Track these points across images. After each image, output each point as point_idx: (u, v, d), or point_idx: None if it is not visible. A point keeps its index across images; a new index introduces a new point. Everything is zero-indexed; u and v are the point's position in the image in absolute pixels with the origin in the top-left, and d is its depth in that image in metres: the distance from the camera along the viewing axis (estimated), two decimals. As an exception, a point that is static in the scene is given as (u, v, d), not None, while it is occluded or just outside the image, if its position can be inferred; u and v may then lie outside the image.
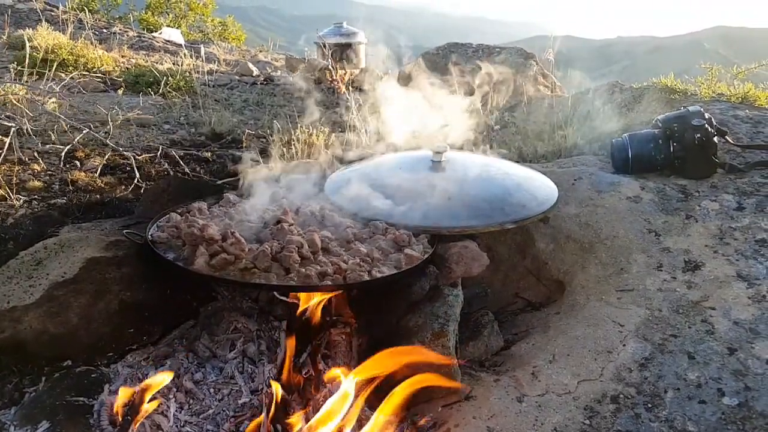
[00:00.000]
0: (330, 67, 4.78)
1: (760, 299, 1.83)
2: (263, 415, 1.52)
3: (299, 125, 3.05)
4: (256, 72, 5.77)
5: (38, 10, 7.06)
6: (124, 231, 1.84)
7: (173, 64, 5.46)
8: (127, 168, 2.69)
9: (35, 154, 2.67)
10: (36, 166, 2.56)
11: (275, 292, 1.82)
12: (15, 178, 2.39)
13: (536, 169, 2.48)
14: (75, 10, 6.84)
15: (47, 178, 2.48)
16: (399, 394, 1.56)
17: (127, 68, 5.04)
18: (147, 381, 1.56)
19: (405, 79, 4.54)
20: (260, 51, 8.50)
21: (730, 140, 2.58)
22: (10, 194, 2.23)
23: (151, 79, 4.44)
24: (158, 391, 1.59)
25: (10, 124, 2.63)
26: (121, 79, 4.60)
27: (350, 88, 4.82)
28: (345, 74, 5.15)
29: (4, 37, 5.44)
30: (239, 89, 4.99)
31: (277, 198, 2.15)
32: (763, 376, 1.58)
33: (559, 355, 1.76)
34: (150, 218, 1.93)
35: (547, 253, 2.26)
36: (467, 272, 1.89)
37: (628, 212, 2.24)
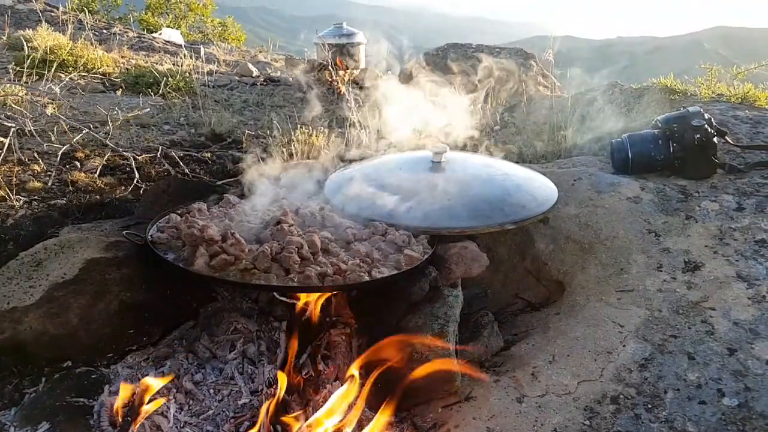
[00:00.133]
0: (330, 67, 4.77)
1: (760, 300, 1.83)
2: (263, 415, 1.52)
3: (299, 126, 3.05)
4: (255, 72, 5.77)
5: (38, 11, 7.06)
6: (124, 232, 1.84)
7: (173, 64, 5.46)
8: (127, 169, 2.69)
9: (35, 154, 2.67)
10: (36, 167, 2.56)
11: (275, 293, 1.82)
12: (15, 179, 2.39)
13: (536, 170, 2.48)
14: (75, 11, 6.85)
15: (47, 178, 2.48)
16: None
17: (127, 69, 5.04)
18: (144, 380, 1.56)
19: (405, 78, 4.54)
20: (260, 51, 8.51)
21: (729, 141, 2.58)
22: (10, 195, 2.23)
23: (151, 80, 4.44)
24: (158, 392, 1.59)
25: (9, 125, 2.63)
26: (120, 80, 4.60)
27: (350, 88, 4.82)
28: (345, 74, 5.15)
29: (4, 38, 5.45)
30: (239, 90, 4.99)
31: (276, 199, 2.15)
32: (763, 376, 1.58)
33: (559, 355, 1.76)
34: (150, 219, 1.93)
35: (546, 254, 2.26)
36: (467, 273, 1.89)
37: (628, 213, 2.24)
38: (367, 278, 1.66)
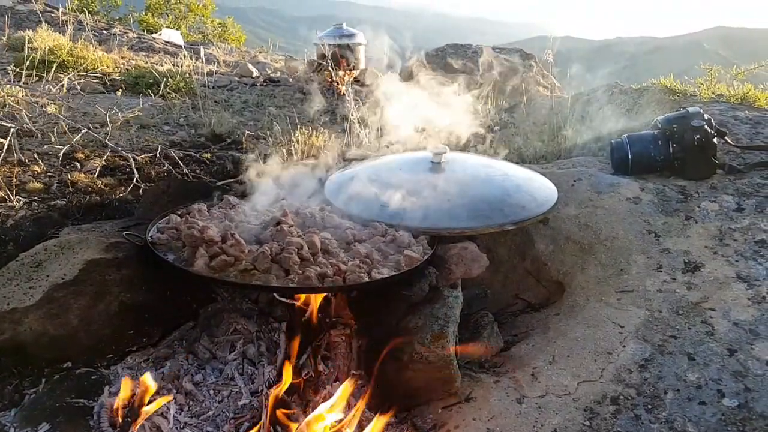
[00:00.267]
0: (330, 68, 4.78)
1: (759, 300, 1.83)
2: (263, 416, 1.52)
3: (299, 126, 3.05)
4: (255, 73, 5.77)
5: (38, 12, 7.06)
6: (124, 233, 1.84)
7: (173, 65, 5.46)
8: (127, 169, 2.69)
9: (35, 155, 2.67)
10: (36, 168, 2.56)
11: (275, 294, 1.82)
12: (15, 180, 2.39)
13: (535, 170, 2.48)
14: (75, 12, 6.85)
15: (47, 179, 2.48)
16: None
17: (127, 69, 5.04)
18: (143, 377, 1.56)
19: (406, 77, 4.54)
20: (260, 52, 8.50)
21: (729, 141, 2.58)
22: (10, 195, 2.23)
23: (150, 81, 4.44)
24: (158, 392, 1.59)
25: (9, 125, 2.63)
26: (120, 81, 4.61)
27: (350, 88, 4.82)
28: (344, 75, 5.15)
29: (4, 39, 5.45)
30: (239, 90, 4.99)
31: (276, 199, 2.15)
32: (763, 377, 1.58)
33: (558, 356, 1.76)
34: (150, 220, 1.93)
35: (546, 254, 2.26)
36: (467, 273, 1.89)
37: (628, 213, 2.25)
38: (366, 279, 1.66)
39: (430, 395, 1.69)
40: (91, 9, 9.03)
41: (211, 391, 1.65)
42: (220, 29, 11.85)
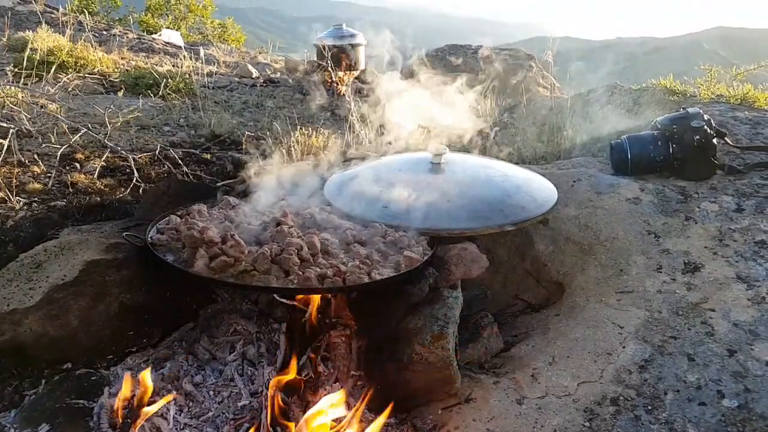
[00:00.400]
0: (329, 68, 4.78)
1: (759, 301, 1.83)
2: (263, 416, 1.52)
3: (299, 127, 3.05)
4: (255, 74, 5.77)
5: (38, 13, 7.06)
6: (124, 233, 1.84)
7: (173, 66, 5.46)
8: (127, 170, 2.69)
9: (35, 156, 2.67)
10: (36, 168, 2.56)
11: (275, 295, 1.82)
12: (15, 180, 2.39)
13: (535, 171, 2.48)
14: (75, 12, 6.85)
15: (47, 180, 2.48)
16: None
17: (127, 70, 5.04)
18: (141, 374, 1.56)
19: (406, 77, 4.54)
20: (260, 53, 8.50)
21: (729, 142, 2.58)
22: (10, 196, 2.23)
23: (150, 81, 4.44)
24: (158, 394, 1.59)
25: (9, 126, 2.63)
26: (120, 81, 4.61)
27: (349, 89, 4.82)
28: (344, 76, 5.15)
29: (4, 40, 5.45)
30: (239, 91, 4.99)
31: (276, 200, 2.16)
32: (763, 377, 1.58)
33: (558, 356, 1.76)
34: (150, 220, 1.93)
35: (546, 255, 2.26)
36: (467, 274, 1.89)
37: (628, 214, 2.25)
38: (366, 280, 1.66)
39: (430, 396, 1.69)
40: (91, 10, 9.03)
41: (211, 392, 1.65)
42: (219, 30, 11.85)
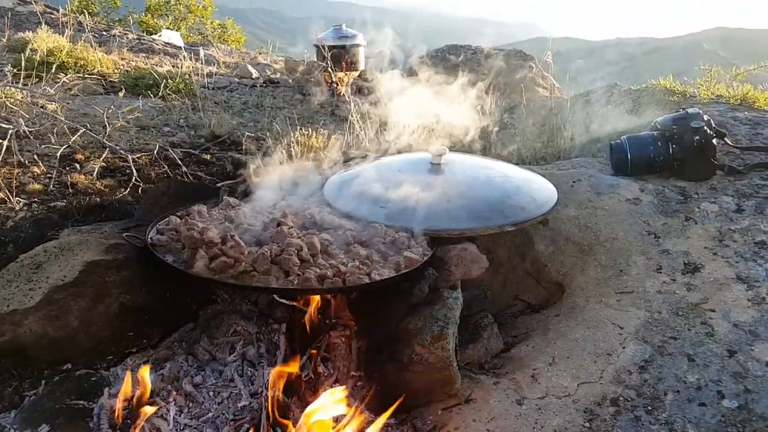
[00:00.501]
0: (329, 69, 4.78)
1: (759, 301, 1.83)
2: (263, 418, 1.52)
3: (298, 127, 3.05)
4: (255, 74, 5.77)
5: (38, 13, 7.07)
6: (124, 234, 1.84)
7: (173, 66, 5.46)
8: (127, 171, 2.69)
9: (35, 156, 2.67)
10: (36, 169, 2.56)
11: (275, 295, 1.82)
12: (15, 181, 2.39)
13: (535, 172, 2.48)
14: (75, 13, 6.85)
15: (47, 180, 2.48)
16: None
17: (127, 71, 5.04)
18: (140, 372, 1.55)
19: (406, 77, 4.54)
20: (259, 53, 8.50)
21: (729, 142, 2.58)
22: (10, 197, 2.23)
23: (150, 82, 4.44)
24: (158, 395, 1.59)
25: (8, 127, 2.63)
26: (119, 82, 4.61)
27: (349, 90, 4.83)
28: (344, 76, 5.15)
29: (4, 40, 5.45)
30: (239, 92, 4.99)
31: (276, 200, 2.16)
32: (763, 378, 1.58)
33: (558, 357, 1.76)
34: (149, 221, 1.93)
35: (546, 256, 2.26)
36: (467, 274, 1.89)
37: (628, 214, 2.25)
38: (366, 280, 1.66)
39: (430, 396, 1.69)
40: (90, 10, 9.02)
41: (211, 393, 1.65)
42: (219, 30, 11.84)
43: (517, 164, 2.66)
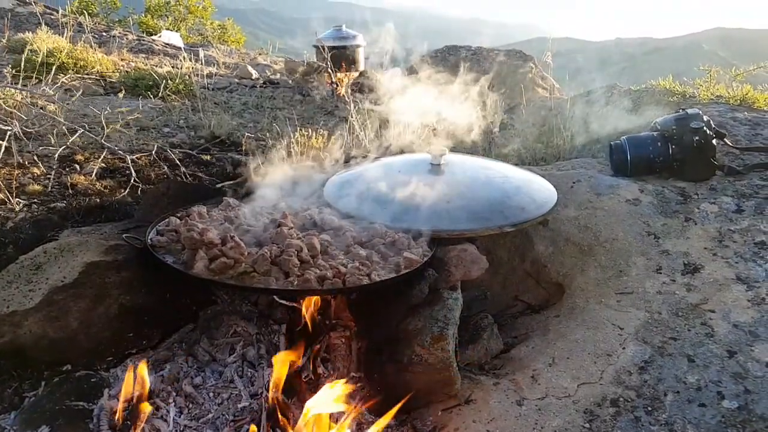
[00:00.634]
0: (329, 69, 4.78)
1: (759, 302, 1.83)
2: (263, 418, 1.52)
3: (298, 128, 3.05)
4: (255, 75, 5.77)
5: (38, 14, 7.07)
6: (124, 235, 1.84)
7: (173, 67, 5.46)
8: (127, 171, 2.69)
9: (35, 157, 2.67)
10: (35, 170, 2.56)
11: (275, 296, 1.82)
12: (14, 182, 2.39)
13: (535, 172, 2.48)
14: (74, 14, 6.85)
15: (47, 181, 2.48)
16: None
17: (127, 71, 5.04)
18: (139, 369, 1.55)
19: (406, 76, 4.54)
20: (259, 54, 8.50)
21: (728, 142, 2.58)
22: (10, 198, 2.23)
23: (150, 83, 4.44)
24: (158, 396, 1.59)
25: (7, 128, 2.63)
26: (119, 82, 4.61)
27: (349, 90, 4.82)
28: (344, 76, 5.15)
29: (4, 41, 5.45)
30: (239, 92, 5.00)
31: (276, 201, 2.15)
32: (763, 378, 1.58)
33: (558, 358, 1.76)
34: (149, 222, 1.93)
35: (546, 256, 2.26)
36: (466, 275, 1.89)
37: (627, 215, 2.25)
38: (366, 281, 1.66)
39: (430, 397, 1.69)
40: (90, 11, 9.02)
41: (211, 394, 1.64)
42: (219, 31, 11.84)
43: (516, 165, 2.67)
